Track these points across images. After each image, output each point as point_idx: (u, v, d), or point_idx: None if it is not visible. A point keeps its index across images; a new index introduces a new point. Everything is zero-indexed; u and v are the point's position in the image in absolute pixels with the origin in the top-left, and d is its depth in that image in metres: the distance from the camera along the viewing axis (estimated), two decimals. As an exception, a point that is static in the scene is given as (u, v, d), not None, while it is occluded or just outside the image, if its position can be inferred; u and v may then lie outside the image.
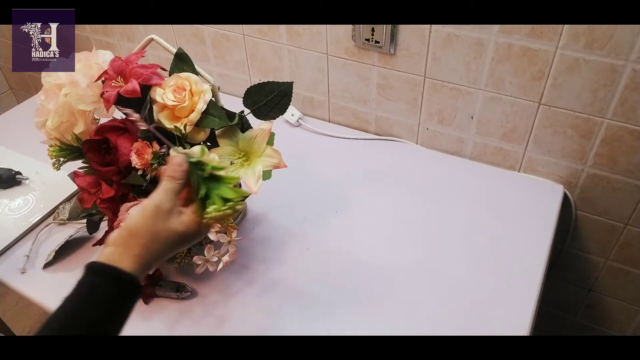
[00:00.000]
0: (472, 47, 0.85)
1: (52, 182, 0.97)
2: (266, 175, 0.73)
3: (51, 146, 0.73)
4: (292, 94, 0.74)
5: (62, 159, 0.73)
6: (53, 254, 0.83)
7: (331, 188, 0.96)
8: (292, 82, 0.73)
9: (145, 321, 0.74)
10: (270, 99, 0.73)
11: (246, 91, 0.73)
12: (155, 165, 0.66)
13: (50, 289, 0.79)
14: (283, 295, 0.77)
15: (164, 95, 0.67)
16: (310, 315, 0.74)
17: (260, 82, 0.73)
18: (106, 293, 0.46)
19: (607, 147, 0.86)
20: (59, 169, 0.74)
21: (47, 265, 0.82)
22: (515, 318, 0.72)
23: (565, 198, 0.94)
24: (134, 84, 0.65)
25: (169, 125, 0.67)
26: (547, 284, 0.88)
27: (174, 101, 0.66)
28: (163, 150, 0.67)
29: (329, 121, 1.13)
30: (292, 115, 1.11)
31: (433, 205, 0.91)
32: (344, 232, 0.87)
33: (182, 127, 0.66)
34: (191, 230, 0.52)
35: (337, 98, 1.07)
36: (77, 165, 0.75)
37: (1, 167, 0.99)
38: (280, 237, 0.86)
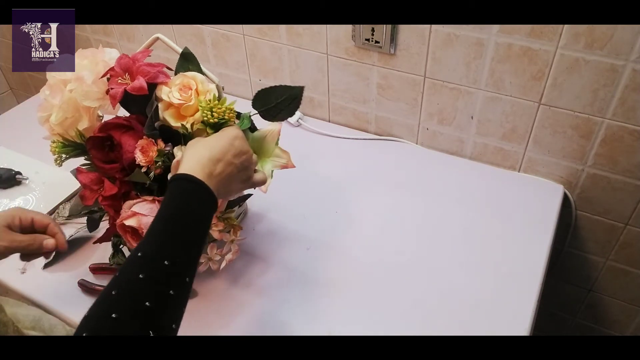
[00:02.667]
0: (472, 47, 0.85)
1: (52, 182, 0.97)
2: None
3: (54, 142, 0.73)
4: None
5: (64, 156, 0.73)
6: (53, 254, 0.83)
7: (331, 188, 0.96)
8: (302, 87, 0.73)
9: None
10: (279, 102, 0.73)
11: (256, 94, 0.74)
12: (160, 163, 0.66)
13: (50, 289, 0.79)
14: (283, 294, 0.77)
15: (169, 93, 0.67)
16: (310, 315, 0.74)
17: (272, 86, 0.73)
18: (186, 190, 0.56)
19: (607, 147, 0.86)
20: (61, 165, 0.74)
21: (47, 265, 0.82)
22: (515, 318, 0.72)
23: (565, 198, 0.94)
24: (141, 82, 0.65)
25: (174, 123, 0.67)
26: (547, 284, 0.88)
27: (179, 100, 0.66)
28: (168, 148, 0.67)
29: (329, 121, 1.13)
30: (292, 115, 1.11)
31: (433, 205, 0.91)
32: (344, 232, 0.87)
33: (188, 126, 0.66)
34: (225, 131, 0.63)
35: (337, 98, 1.07)
36: (78, 162, 0.75)
37: (1, 167, 0.99)
38: (280, 237, 0.86)
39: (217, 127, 0.64)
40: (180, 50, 0.72)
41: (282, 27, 1.02)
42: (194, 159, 0.58)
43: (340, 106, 1.09)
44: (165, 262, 0.49)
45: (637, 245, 0.97)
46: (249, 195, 0.83)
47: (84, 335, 0.43)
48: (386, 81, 0.98)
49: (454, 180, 0.96)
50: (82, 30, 1.34)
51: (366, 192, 0.94)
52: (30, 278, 0.81)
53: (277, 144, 0.73)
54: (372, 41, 0.92)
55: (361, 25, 0.92)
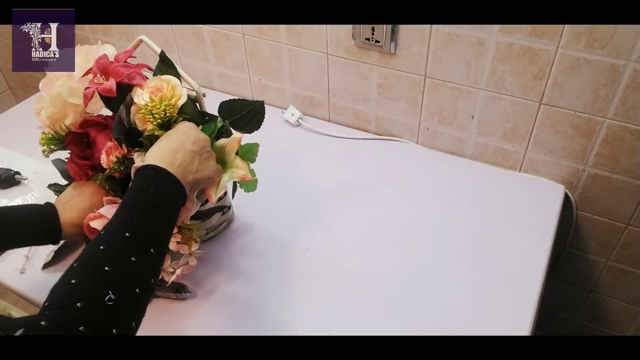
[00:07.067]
0: (473, 46, 0.85)
1: (51, 182, 0.97)
2: (250, 187, 0.73)
3: (43, 133, 0.74)
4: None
5: (52, 147, 0.74)
6: (52, 254, 0.83)
7: (331, 188, 0.96)
8: (262, 101, 0.73)
9: (143, 320, 0.74)
10: (243, 114, 0.73)
11: (219, 105, 0.73)
12: (117, 168, 0.66)
13: (49, 289, 0.79)
14: (283, 295, 0.77)
15: (141, 96, 0.66)
16: (309, 315, 0.74)
17: (232, 99, 0.73)
18: (145, 175, 0.58)
19: (608, 147, 0.85)
20: (48, 157, 0.75)
21: (46, 265, 0.82)
22: (515, 318, 0.72)
23: (566, 198, 0.94)
24: (111, 83, 0.65)
25: (141, 127, 0.66)
26: (548, 284, 0.88)
27: (147, 103, 0.66)
28: (132, 155, 0.66)
29: (329, 121, 1.13)
30: (292, 115, 1.11)
31: (433, 206, 0.91)
32: (344, 232, 0.87)
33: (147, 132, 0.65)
34: (177, 126, 0.65)
35: (337, 98, 1.07)
36: (66, 154, 0.76)
37: (0, 167, 0.99)
38: (280, 237, 0.86)
39: (165, 126, 0.65)
40: (159, 51, 0.71)
41: (282, 27, 1.02)
42: (153, 155, 0.61)
43: (340, 106, 1.09)
44: (127, 234, 0.51)
45: (638, 246, 0.96)
46: (224, 206, 0.82)
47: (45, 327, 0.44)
48: (386, 81, 0.98)
49: (455, 181, 0.96)
50: (82, 30, 1.33)
51: (366, 192, 0.94)
52: (30, 278, 0.81)
53: (255, 155, 0.72)
54: (373, 40, 0.92)
55: (361, 25, 0.92)
